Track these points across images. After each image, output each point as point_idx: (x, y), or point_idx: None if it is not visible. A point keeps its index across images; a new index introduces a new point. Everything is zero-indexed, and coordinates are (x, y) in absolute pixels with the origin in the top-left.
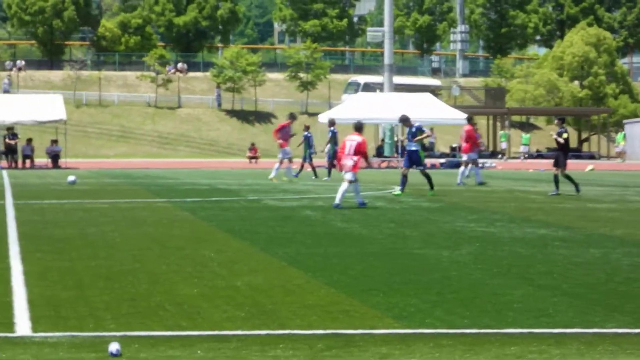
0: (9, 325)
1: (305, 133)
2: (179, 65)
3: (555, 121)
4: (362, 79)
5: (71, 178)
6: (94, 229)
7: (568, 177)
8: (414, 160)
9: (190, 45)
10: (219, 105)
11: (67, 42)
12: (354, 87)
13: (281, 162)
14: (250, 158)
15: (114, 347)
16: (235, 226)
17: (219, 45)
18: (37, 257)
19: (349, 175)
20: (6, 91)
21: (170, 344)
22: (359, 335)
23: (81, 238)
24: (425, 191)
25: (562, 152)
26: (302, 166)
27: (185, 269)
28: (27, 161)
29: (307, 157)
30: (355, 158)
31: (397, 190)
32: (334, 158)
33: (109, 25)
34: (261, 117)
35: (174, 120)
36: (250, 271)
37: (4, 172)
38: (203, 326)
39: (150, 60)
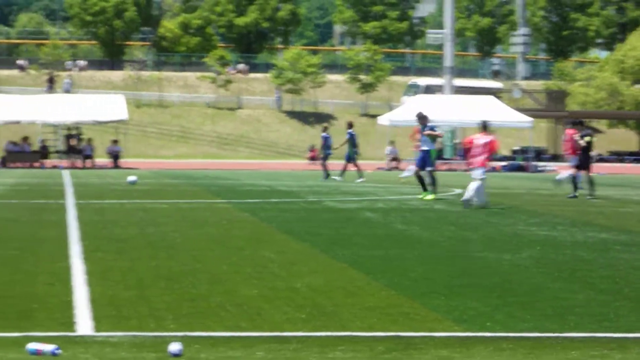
0: (71, 325)
1: (324, 134)
2: (240, 66)
3: (576, 125)
4: (423, 81)
5: (132, 178)
6: (154, 229)
7: (590, 180)
8: (424, 160)
9: (251, 47)
10: (279, 106)
11: (127, 43)
12: (414, 90)
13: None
14: (311, 159)
15: (175, 347)
16: (295, 227)
17: (280, 46)
18: (98, 256)
19: (478, 173)
20: (67, 91)
21: (230, 345)
22: (419, 337)
23: (142, 238)
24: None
25: (585, 155)
26: (345, 166)
27: (245, 270)
28: (88, 161)
29: (324, 158)
30: (483, 156)
31: (428, 195)
32: (350, 160)
33: (169, 25)
34: (321, 118)
35: (234, 121)
36: (310, 272)
37: (66, 172)
38: (263, 327)
39: (211, 61)
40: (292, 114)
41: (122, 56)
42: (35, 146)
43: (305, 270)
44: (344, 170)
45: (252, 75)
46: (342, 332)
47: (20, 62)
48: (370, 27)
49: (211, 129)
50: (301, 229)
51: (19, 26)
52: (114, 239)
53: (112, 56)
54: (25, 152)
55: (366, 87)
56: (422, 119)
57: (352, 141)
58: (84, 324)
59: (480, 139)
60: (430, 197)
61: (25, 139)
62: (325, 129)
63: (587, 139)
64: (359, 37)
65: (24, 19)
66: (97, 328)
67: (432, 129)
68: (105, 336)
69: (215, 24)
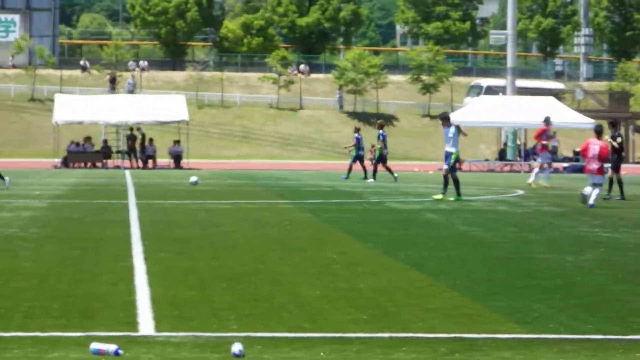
0: (133, 325)
1: (356, 135)
2: (301, 66)
3: (609, 126)
4: (485, 81)
5: (193, 178)
6: (216, 230)
7: (619, 182)
8: (447, 160)
9: (313, 47)
10: (341, 107)
11: (189, 43)
12: (477, 90)
13: (542, 167)
14: (372, 160)
15: (237, 347)
16: (358, 228)
17: (341, 47)
18: (160, 256)
19: (597, 179)
20: (130, 91)
21: (292, 345)
22: (481, 339)
23: (203, 238)
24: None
25: (617, 156)
26: (375, 168)
27: (307, 271)
28: (150, 161)
29: (358, 158)
30: (600, 163)
31: (450, 196)
32: (379, 161)
33: (231, 26)
34: (383, 119)
35: (296, 122)
36: (373, 273)
37: (127, 172)
38: (325, 328)
39: (273, 61)
40: (354, 115)
41: (184, 56)
42: (98, 146)
43: (367, 271)
44: (375, 171)
45: (314, 75)
46: (405, 334)
47: (82, 62)
48: (432, 27)
49: (273, 129)
50: (363, 229)
51: (81, 27)
52: (176, 239)
53: (174, 56)
54: (87, 152)
55: (428, 88)
56: (444, 120)
57: (383, 142)
58: (146, 324)
59: (595, 144)
60: (439, 197)
61: (87, 139)
62: (357, 130)
63: (619, 140)
64: (421, 37)
65: (86, 20)
66: (159, 328)
67: (458, 128)
68: (167, 336)
69: (277, 24)
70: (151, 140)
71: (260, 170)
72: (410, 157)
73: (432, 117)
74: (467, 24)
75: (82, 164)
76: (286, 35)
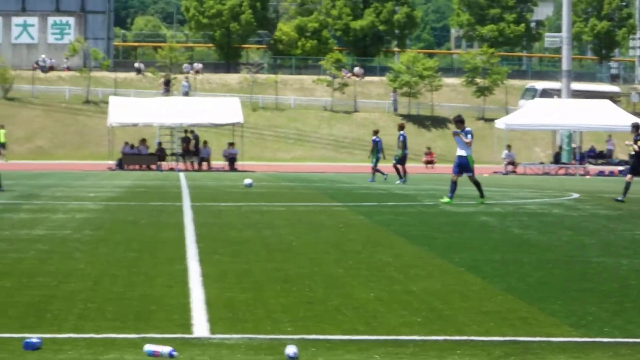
0: (187, 327)
1: (374, 137)
2: (356, 69)
3: (631, 129)
4: (540, 84)
5: (248, 181)
6: (270, 232)
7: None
8: (462, 166)
9: (367, 50)
10: (395, 109)
11: (244, 46)
12: (532, 93)
13: None
14: (427, 163)
15: (291, 350)
16: (412, 231)
17: (396, 49)
18: (214, 259)
19: None
20: (185, 93)
21: (347, 348)
22: (536, 342)
23: (258, 241)
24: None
25: (638, 159)
26: (404, 169)
27: (361, 273)
28: (204, 164)
29: (375, 162)
30: None
31: (445, 198)
32: (400, 162)
33: (285, 28)
34: (437, 122)
35: (350, 124)
36: (427, 276)
37: (181, 175)
38: (380, 331)
39: (327, 64)
40: (408, 118)
41: (239, 59)
42: (152, 149)
43: (421, 274)
44: (405, 173)
45: (368, 78)
46: (459, 337)
47: (136, 65)
48: (487, 30)
49: (327, 132)
50: (417, 232)
51: (135, 29)
52: (231, 242)
53: (228, 59)
54: (141, 154)
55: (482, 91)
56: (458, 122)
57: (404, 143)
58: (200, 326)
59: None
60: (445, 200)
61: (142, 141)
62: (375, 133)
63: None
64: (476, 40)
65: (141, 22)
66: (214, 330)
67: (469, 133)
68: (221, 338)
69: (331, 27)
70: (205, 142)
71: (314, 173)
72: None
73: (487, 120)
74: (522, 27)
75: (137, 166)
76: (340, 37)
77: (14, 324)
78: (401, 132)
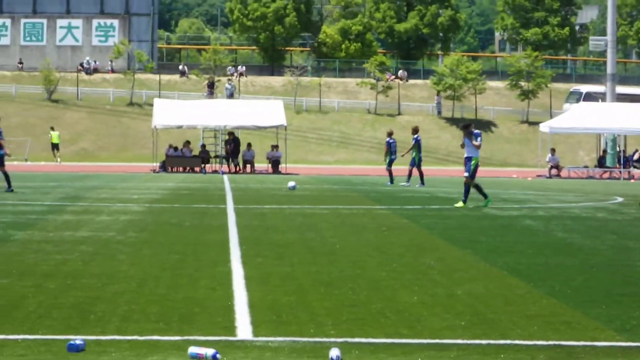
0: (231, 329)
1: (388, 139)
2: (399, 72)
3: None
4: (584, 88)
5: (291, 184)
6: (314, 235)
7: None
8: (467, 166)
9: (411, 53)
10: (439, 112)
11: (288, 48)
12: (576, 97)
13: None
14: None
15: (334, 353)
16: (455, 234)
17: (439, 52)
18: (258, 261)
19: None
20: (230, 95)
21: (390, 351)
22: (580, 347)
23: (301, 243)
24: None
25: None
26: (410, 172)
27: (405, 277)
28: (248, 166)
29: (389, 163)
30: None
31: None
32: (415, 165)
33: (329, 31)
34: (481, 125)
35: (394, 127)
36: (470, 280)
37: (225, 177)
38: (423, 334)
39: (371, 67)
40: (452, 121)
41: (282, 62)
42: (196, 151)
43: (465, 277)
44: (421, 175)
45: (412, 81)
46: (503, 340)
47: (180, 67)
48: (531, 33)
49: (371, 135)
50: (461, 236)
51: (179, 32)
52: (274, 244)
53: (272, 61)
54: (185, 156)
55: (527, 94)
56: (466, 128)
57: (418, 146)
58: (244, 328)
59: None
60: (459, 204)
61: (186, 143)
62: (389, 135)
63: None
64: (520, 43)
65: (185, 25)
66: (257, 333)
67: (476, 137)
68: (264, 341)
69: (375, 30)
70: (249, 145)
71: (357, 176)
72: (508, 164)
73: (531, 124)
74: (566, 30)
75: (180, 169)
76: (384, 40)
77: (58, 326)
78: (415, 135)
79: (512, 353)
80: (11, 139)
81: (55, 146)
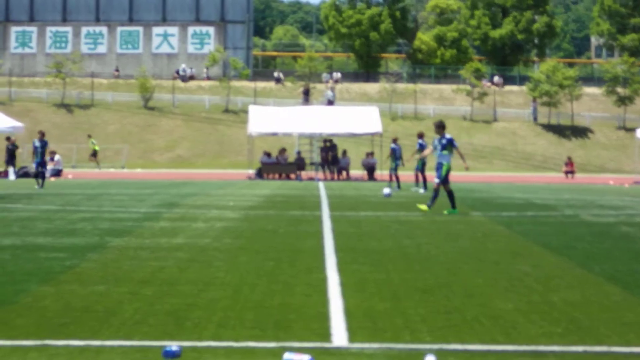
0: (326, 336)
1: (393, 145)
2: (495, 78)
3: None
4: None
5: (386, 190)
6: (409, 241)
7: None
8: (438, 172)
9: (506, 59)
10: (535, 119)
11: (383, 55)
12: None
13: None
14: (567, 173)
15: (429, 359)
16: (552, 241)
17: (535, 59)
18: (353, 268)
19: None
20: (330, 102)
21: (485, 358)
22: None
23: (397, 250)
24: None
25: None
26: (417, 177)
27: (500, 283)
28: (343, 173)
29: (394, 169)
30: None
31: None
32: (419, 169)
33: (425, 38)
34: (577, 131)
35: (490, 134)
36: (567, 287)
37: (321, 184)
38: (519, 341)
39: (466, 73)
40: (548, 127)
41: (378, 68)
42: (292, 158)
43: (561, 284)
44: (419, 180)
45: (508, 87)
46: (599, 347)
47: (276, 74)
48: (628, 39)
49: (467, 141)
50: (557, 242)
51: (274, 39)
52: (369, 251)
53: (367, 68)
54: (281, 163)
55: (623, 100)
56: (438, 127)
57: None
58: (339, 335)
59: None
60: (423, 207)
61: (282, 150)
62: (394, 141)
63: None
64: (617, 49)
65: (280, 32)
66: (352, 339)
67: (450, 141)
68: (360, 348)
69: (470, 36)
70: (345, 151)
71: (453, 183)
72: (605, 170)
73: (628, 130)
74: None
75: (276, 176)
76: (479, 47)
77: (155, 332)
78: (420, 140)
79: None
80: (108, 146)
81: (95, 153)
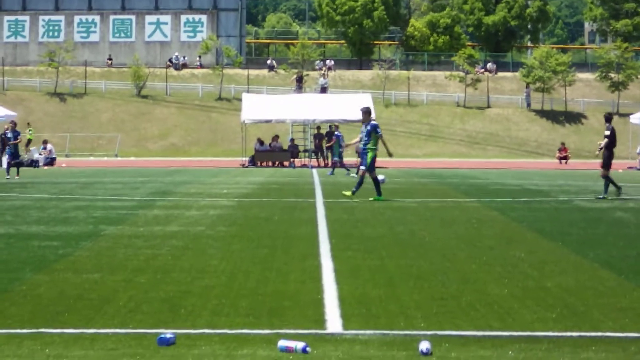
0: (321, 323)
1: (336, 133)
2: (488, 65)
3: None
4: None
5: (380, 177)
6: (403, 228)
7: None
8: (363, 159)
9: (499, 45)
10: (529, 105)
11: (376, 42)
12: None
13: None
14: (560, 159)
15: (424, 345)
16: (546, 227)
17: (529, 45)
18: (347, 255)
19: None
20: (323, 90)
21: (481, 344)
22: None
23: (391, 237)
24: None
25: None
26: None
27: (495, 269)
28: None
29: (338, 155)
30: None
31: (348, 191)
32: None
33: (417, 25)
34: (571, 117)
35: (483, 120)
36: (561, 272)
37: (314, 171)
38: (513, 327)
39: (459, 60)
40: (542, 113)
41: (371, 55)
42: (285, 145)
43: (555, 270)
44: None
45: (501, 73)
46: (594, 333)
47: (269, 61)
48: (621, 24)
49: (460, 127)
50: (551, 228)
51: (267, 26)
52: (363, 238)
53: (360, 55)
54: (274, 151)
55: (617, 86)
56: (365, 114)
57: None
58: (333, 321)
59: None
60: (348, 193)
61: (275, 137)
62: (337, 128)
63: (606, 133)
64: (610, 35)
65: (273, 20)
66: (347, 326)
67: (375, 128)
68: (354, 334)
69: (463, 22)
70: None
71: (447, 169)
72: (598, 156)
73: (621, 115)
74: None
75: (270, 163)
76: (472, 33)
77: (149, 320)
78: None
79: (604, 345)
80: (101, 134)
81: (29, 142)
